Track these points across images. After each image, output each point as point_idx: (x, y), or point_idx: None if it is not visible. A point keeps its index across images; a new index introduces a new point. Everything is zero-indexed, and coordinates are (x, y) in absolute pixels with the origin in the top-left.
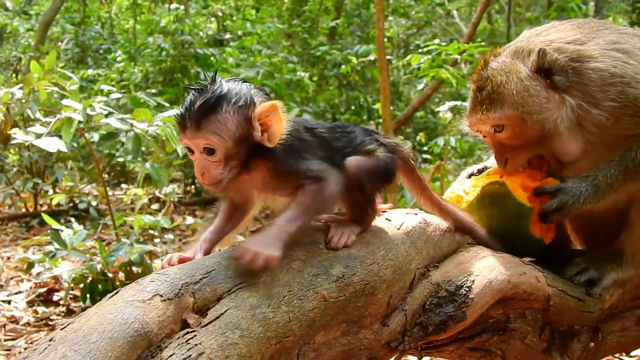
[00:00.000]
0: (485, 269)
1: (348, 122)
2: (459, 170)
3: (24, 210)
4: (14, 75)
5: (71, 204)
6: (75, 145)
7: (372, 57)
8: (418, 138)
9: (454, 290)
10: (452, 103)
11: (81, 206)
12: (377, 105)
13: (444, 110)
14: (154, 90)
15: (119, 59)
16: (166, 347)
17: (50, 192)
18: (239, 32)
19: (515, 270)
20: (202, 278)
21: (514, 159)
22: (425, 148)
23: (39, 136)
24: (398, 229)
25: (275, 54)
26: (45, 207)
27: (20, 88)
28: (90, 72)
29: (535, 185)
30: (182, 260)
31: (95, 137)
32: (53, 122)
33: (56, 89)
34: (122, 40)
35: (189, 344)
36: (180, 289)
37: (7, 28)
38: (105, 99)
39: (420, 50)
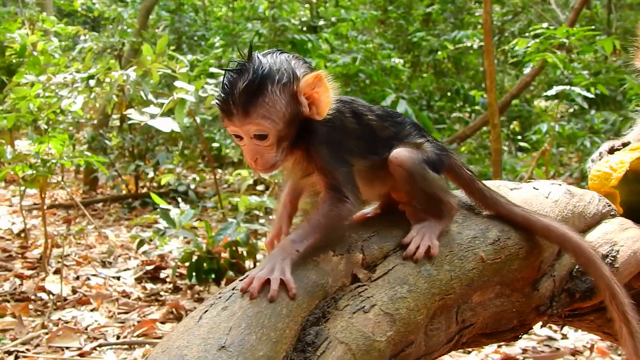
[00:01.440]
0: (629, 240)
1: (399, 113)
2: (554, 159)
3: (124, 192)
4: (116, 60)
5: (171, 187)
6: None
7: (468, 44)
8: (512, 127)
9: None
10: (560, 87)
11: (181, 189)
12: (474, 92)
13: (550, 94)
14: None
15: (217, 44)
16: (340, 298)
17: (151, 174)
18: (333, 19)
19: None
20: (370, 236)
21: None
22: (520, 137)
23: (153, 117)
24: (546, 197)
25: (370, 40)
26: (145, 190)
27: (134, 70)
28: (189, 57)
29: None
30: (270, 242)
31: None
32: (167, 103)
33: (169, 71)
34: (216, 27)
35: (361, 296)
36: (350, 246)
37: (104, 14)
38: (215, 82)
39: (526, 35)
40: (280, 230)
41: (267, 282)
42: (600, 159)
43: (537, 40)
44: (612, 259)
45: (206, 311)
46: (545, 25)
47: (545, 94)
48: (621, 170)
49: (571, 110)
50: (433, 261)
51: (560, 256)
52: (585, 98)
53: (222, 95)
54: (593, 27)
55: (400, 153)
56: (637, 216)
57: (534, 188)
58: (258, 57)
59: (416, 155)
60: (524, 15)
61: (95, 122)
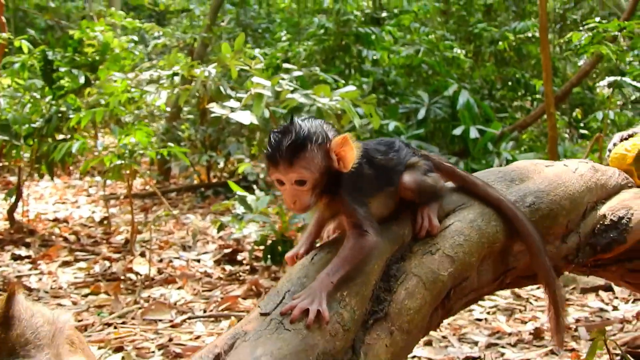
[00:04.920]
0: None
1: (392, 138)
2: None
3: (196, 181)
4: (188, 56)
5: (241, 176)
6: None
7: (529, 34)
8: (574, 114)
9: (617, 220)
10: (612, 78)
11: (251, 178)
12: (535, 81)
13: (603, 85)
14: (317, 68)
15: (284, 38)
16: (414, 245)
17: (222, 164)
18: (395, 10)
19: None
20: None
21: None
22: (582, 124)
23: (233, 110)
24: (573, 172)
25: (432, 31)
26: (215, 179)
27: (214, 67)
28: (256, 51)
29: None
30: (292, 259)
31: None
32: (245, 97)
33: (246, 67)
34: (279, 19)
35: (429, 243)
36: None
37: (169, 8)
38: (288, 76)
39: (580, 28)
40: (300, 250)
41: (306, 311)
42: (615, 147)
43: (590, 34)
44: (628, 220)
45: (316, 254)
46: (598, 19)
47: (597, 84)
48: (634, 151)
49: (632, 97)
50: (482, 218)
51: (585, 217)
52: (636, 88)
53: (270, 150)
54: None
55: (406, 180)
56: None
57: (564, 165)
58: (298, 122)
59: (417, 176)
60: (586, 2)
61: (167, 115)
